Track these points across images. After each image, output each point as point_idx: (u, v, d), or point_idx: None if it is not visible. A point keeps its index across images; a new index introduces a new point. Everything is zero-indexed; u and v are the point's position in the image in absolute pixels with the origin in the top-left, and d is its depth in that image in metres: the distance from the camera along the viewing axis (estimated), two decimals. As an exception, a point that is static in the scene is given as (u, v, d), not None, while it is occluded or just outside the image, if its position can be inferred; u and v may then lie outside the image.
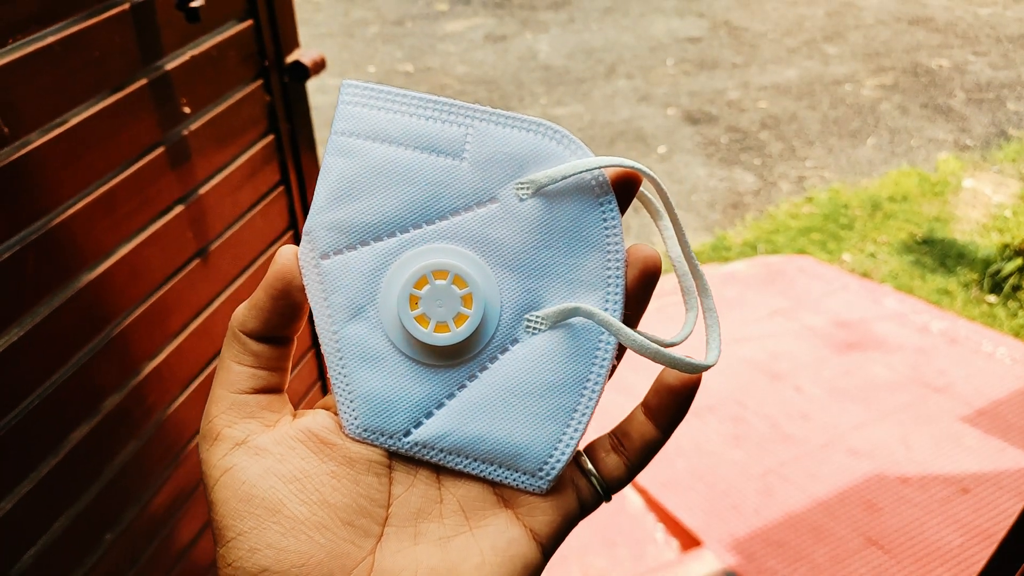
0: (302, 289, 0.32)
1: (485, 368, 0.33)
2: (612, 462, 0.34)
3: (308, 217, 0.33)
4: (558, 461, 0.33)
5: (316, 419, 0.33)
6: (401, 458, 0.33)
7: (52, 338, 0.89)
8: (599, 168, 0.32)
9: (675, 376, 0.33)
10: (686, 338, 0.34)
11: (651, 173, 0.32)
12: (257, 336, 0.33)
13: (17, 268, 0.82)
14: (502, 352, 0.33)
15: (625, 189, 0.33)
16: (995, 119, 3.80)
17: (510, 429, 0.32)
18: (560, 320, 0.32)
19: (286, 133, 1.32)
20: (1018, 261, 2.73)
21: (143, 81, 0.98)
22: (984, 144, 3.61)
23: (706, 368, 0.32)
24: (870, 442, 2.00)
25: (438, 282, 0.32)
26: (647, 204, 0.36)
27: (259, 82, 1.23)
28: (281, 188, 1.34)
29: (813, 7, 5.06)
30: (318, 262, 0.32)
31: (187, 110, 1.07)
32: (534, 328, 0.33)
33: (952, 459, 1.94)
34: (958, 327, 2.43)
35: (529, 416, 0.32)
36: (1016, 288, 2.71)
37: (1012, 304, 2.67)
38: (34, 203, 0.85)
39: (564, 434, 0.32)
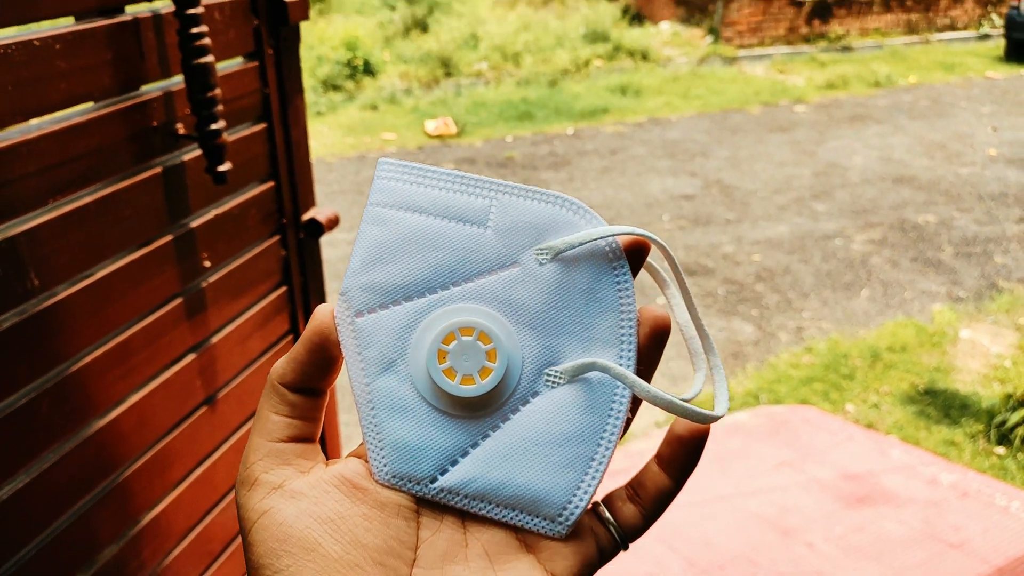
0: (338, 344, 0.35)
1: (507, 419, 0.35)
2: (629, 511, 0.36)
3: (345, 279, 0.35)
4: (576, 507, 0.34)
5: (349, 466, 0.35)
6: (428, 504, 0.35)
7: (55, 486, 0.89)
8: (612, 236, 0.35)
9: (684, 426, 0.35)
10: (696, 395, 0.37)
11: (660, 241, 0.35)
12: (293, 387, 0.35)
13: (31, 415, 0.84)
14: (523, 404, 0.35)
15: (636, 255, 0.35)
16: (984, 272, 3.91)
17: (531, 476, 0.34)
18: (578, 374, 0.34)
19: (298, 285, 1.37)
20: (1023, 412, 2.72)
21: (168, 238, 1.04)
22: (977, 296, 3.69)
23: (717, 418, 0.34)
24: (889, 603, 1.90)
25: (465, 338, 0.34)
26: (654, 274, 0.39)
27: (276, 238, 1.30)
28: (290, 337, 1.37)
29: (800, 167, 5.33)
30: (353, 320, 0.35)
31: (207, 264, 1.12)
32: (553, 382, 0.35)
33: (977, 623, 1.84)
34: (969, 480, 2.38)
35: (549, 464, 0.34)
36: (1024, 440, 2.68)
37: (1022, 456, 2.63)
38: (54, 352, 0.87)
39: (582, 482, 0.34)
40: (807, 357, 3.23)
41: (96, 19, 0.91)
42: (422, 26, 8.65)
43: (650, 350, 0.36)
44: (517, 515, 0.34)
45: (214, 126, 1.00)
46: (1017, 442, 2.67)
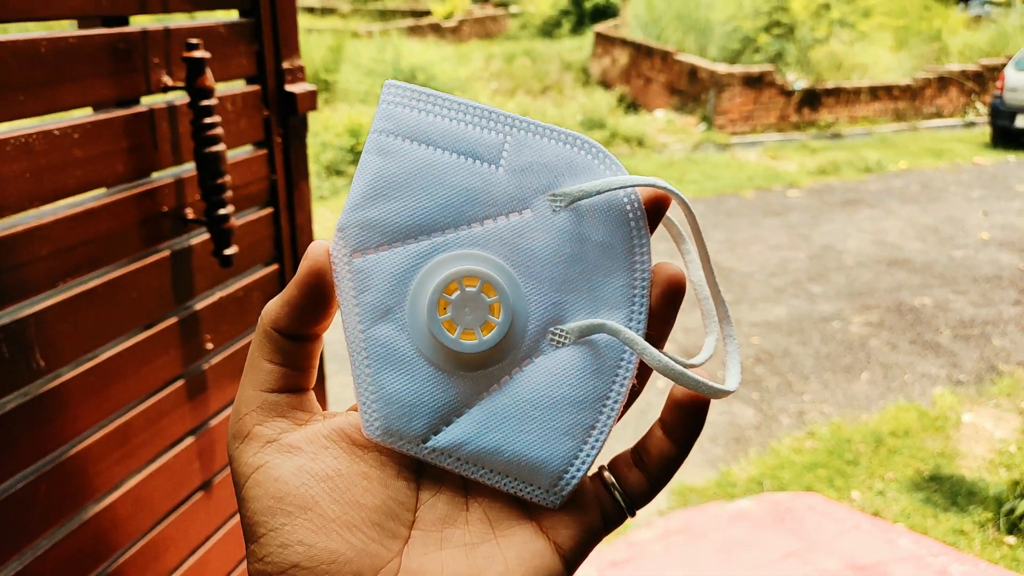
0: (332, 286, 0.32)
1: (507, 379, 0.32)
2: (634, 477, 0.34)
3: (342, 213, 0.32)
4: (573, 478, 0.32)
5: (349, 420, 0.33)
6: (430, 464, 0.33)
7: (47, 575, 0.87)
8: (632, 187, 0.32)
9: (681, 392, 0.33)
10: (706, 360, 0.35)
11: (682, 196, 0.33)
12: (287, 333, 0.32)
13: (29, 498, 0.83)
14: (525, 364, 0.32)
15: (654, 210, 0.33)
16: (983, 354, 3.91)
17: (528, 442, 0.32)
18: (584, 335, 0.32)
19: (299, 367, 1.37)
20: (1031, 498, 2.67)
21: (173, 320, 1.05)
22: (977, 379, 3.67)
23: (727, 393, 0.32)
24: None
25: (468, 288, 0.31)
26: (670, 227, 0.36)
27: (279, 320, 1.31)
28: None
29: (795, 251, 5.40)
30: (350, 259, 0.32)
31: (210, 346, 1.13)
32: (558, 342, 0.32)
33: None
34: (980, 571, 2.31)
35: (548, 431, 0.32)
36: (1034, 527, 2.62)
37: (1033, 545, 2.57)
38: (55, 434, 0.87)
39: (581, 451, 0.32)
40: (810, 442, 3.19)
41: (113, 110, 0.95)
42: (424, 113, 8.91)
43: (663, 311, 0.33)
44: (511, 482, 0.32)
45: (223, 211, 1.03)
46: (1027, 530, 2.61)
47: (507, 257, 0.32)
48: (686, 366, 0.33)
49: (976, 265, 5.10)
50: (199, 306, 1.10)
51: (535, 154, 0.33)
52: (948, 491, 2.87)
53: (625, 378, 0.32)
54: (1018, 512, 2.66)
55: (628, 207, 0.33)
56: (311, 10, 17.01)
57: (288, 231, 1.31)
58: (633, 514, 0.34)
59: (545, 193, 0.32)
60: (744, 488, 2.90)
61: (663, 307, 0.33)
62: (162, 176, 1.03)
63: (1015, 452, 3.09)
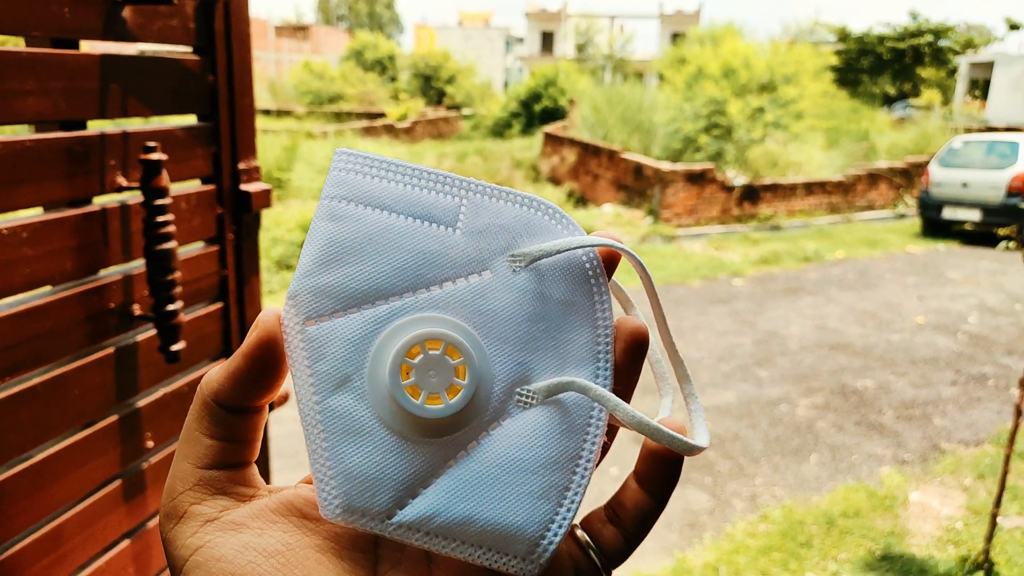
0: (283, 356, 0.30)
1: (475, 444, 0.31)
2: (609, 533, 0.32)
3: (293, 280, 0.31)
4: (550, 543, 0.31)
5: (299, 493, 0.32)
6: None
7: None
8: (592, 246, 0.32)
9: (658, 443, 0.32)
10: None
11: (637, 257, 0.33)
12: (230, 405, 0.30)
13: (-48, 608, 0.80)
14: (492, 427, 0.31)
15: (607, 266, 0.33)
16: (926, 433, 4.01)
17: (502, 509, 0.30)
18: (552, 394, 0.31)
19: (244, 463, 1.35)
20: (980, 575, 2.71)
21: (114, 417, 1.04)
22: (922, 458, 3.76)
23: (701, 449, 0.31)
24: None
25: (431, 351, 0.30)
26: (617, 292, 0.36)
27: (224, 415, 1.30)
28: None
29: (740, 336, 5.54)
30: (303, 327, 0.31)
31: (150, 444, 1.12)
32: (525, 402, 0.31)
33: None
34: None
35: (521, 495, 0.31)
36: (986, 607, 2.64)
37: (986, 624, 2.58)
38: (-15, 538, 0.85)
39: (557, 514, 0.31)
40: (763, 525, 3.20)
41: (65, 209, 0.97)
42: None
43: (628, 365, 0.33)
44: (484, 554, 0.30)
45: (171, 307, 1.04)
46: (980, 609, 2.63)
47: (469, 318, 0.31)
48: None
49: (914, 348, 5.29)
50: (141, 403, 1.10)
51: (492, 216, 0.32)
52: (900, 570, 2.89)
53: (596, 436, 0.32)
54: (969, 591, 2.69)
55: (587, 265, 0.33)
56: (267, 112, 17.36)
57: (238, 326, 1.32)
58: (609, 573, 0.33)
59: (504, 254, 0.32)
60: (700, 575, 2.87)
61: (627, 362, 0.33)
62: (110, 273, 1.04)
63: (962, 529, 3.14)
